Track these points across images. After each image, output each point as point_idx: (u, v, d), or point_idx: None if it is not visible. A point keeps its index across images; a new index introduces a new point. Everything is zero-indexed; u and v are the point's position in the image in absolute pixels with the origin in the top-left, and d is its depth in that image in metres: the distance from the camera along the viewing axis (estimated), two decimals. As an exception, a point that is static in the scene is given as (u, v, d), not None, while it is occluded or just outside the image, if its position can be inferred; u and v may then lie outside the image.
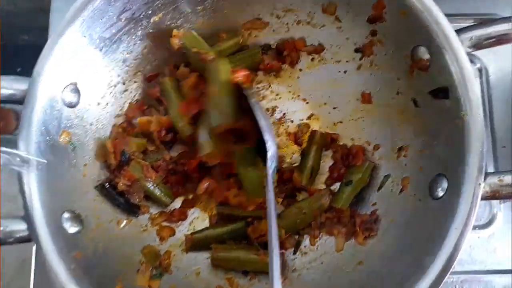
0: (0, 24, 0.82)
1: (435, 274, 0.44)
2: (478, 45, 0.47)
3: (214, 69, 0.53)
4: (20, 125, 0.47)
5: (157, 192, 0.57)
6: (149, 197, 0.58)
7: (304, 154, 0.60)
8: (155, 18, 0.56)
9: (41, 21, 0.85)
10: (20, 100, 0.48)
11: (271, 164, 0.50)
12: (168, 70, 0.60)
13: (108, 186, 0.55)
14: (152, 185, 0.57)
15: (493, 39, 0.47)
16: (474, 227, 0.62)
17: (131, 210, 0.57)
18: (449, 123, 0.48)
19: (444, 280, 0.44)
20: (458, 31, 0.47)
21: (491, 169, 0.64)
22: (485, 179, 0.45)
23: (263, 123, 0.50)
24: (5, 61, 0.92)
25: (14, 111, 0.76)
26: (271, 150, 0.49)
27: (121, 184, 0.55)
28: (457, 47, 0.46)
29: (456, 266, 0.60)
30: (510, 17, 0.47)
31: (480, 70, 0.67)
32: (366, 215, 0.56)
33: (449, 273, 0.45)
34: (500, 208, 0.63)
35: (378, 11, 0.52)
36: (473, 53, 0.63)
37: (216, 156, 0.55)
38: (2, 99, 0.48)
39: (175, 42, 0.56)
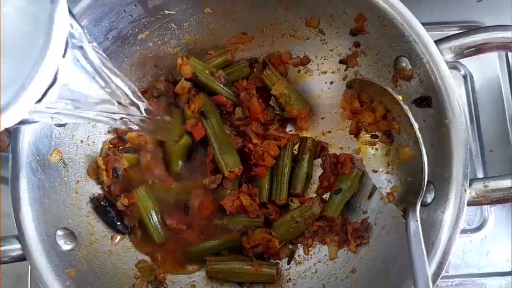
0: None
1: (427, 278, 0.44)
2: (458, 55, 0.48)
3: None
4: (11, 145, 0.48)
5: (152, 226, 0.57)
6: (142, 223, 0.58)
7: (296, 161, 0.60)
8: (142, 36, 0.57)
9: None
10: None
11: None
12: (163, 86, 0.60)
13: (102, 201, 0.56)
14: (151, 219, 0.57)
15: (472, 49, 0.48)
16: (466, 231, 0.63)
17: (121, 229, 0.57)
18: (434, 131, 0.49)
19: (438, 285, 0.45)
20: (438, 42, 0.48)
21: (480, 174, 0.65)
22: (470, 185, 0.46)
23: None
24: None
25: (6, 130, 0.76)
26: None
27: (120, 204, 0.56)
28: (437, 57, 0.47)
29: (450, 270, 0.62)
30: (488, 27, 0.48)
31: (465, 76, 0.68)
32: (357, 223, 0.57)
33: (440, 277, 0.45)
34: (491, 211, 0.64)
35: (360, 23, 0.53)
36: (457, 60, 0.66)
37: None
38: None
39: (188, 70, 0.57)
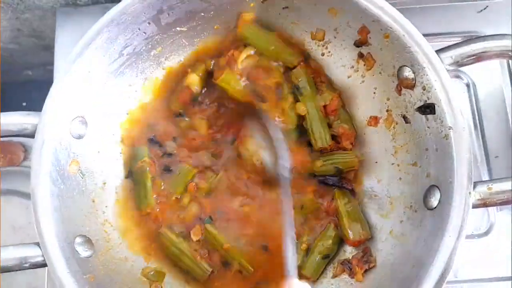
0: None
1: (433, 282, 0.46)
2: (459, 63, 0.50)
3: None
4: (32, 156, 0.50)
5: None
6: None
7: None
8: (155, 52, 0.60)
9: (44, 57, 0.90)
10: (32, 134, 0.51)
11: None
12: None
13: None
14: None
15: (472, 57, 0.50)
16: (474, 236, 0.64)
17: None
18: (438, 137, 0.50)
19: None
20: (439, 51, 0.50)
21: (486, 179, 0.66)
22: (474, 187, 0.47)
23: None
24: (12, 96, 0.97)
25: (22, 145, 0.79)
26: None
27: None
28: (438, 66, 0.49)
29: (458, 275, 0.62)
30: (486, 36, 0.50)
31: (468, 85, 0.69)
32: (359, 254, 0.57)
33: (445, 281, 0.46)
34: (497, 216, 0.65)
35: (364, 35, 0.55)
36: (460, 69, 0.68)
37: None
38: (15, 133, 0.51)
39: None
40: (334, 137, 0.60)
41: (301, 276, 0.56)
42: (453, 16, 0.71)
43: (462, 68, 0.68)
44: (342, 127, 0.60)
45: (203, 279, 0.57)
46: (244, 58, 0.59)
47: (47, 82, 0.52)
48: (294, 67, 0.61)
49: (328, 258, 0.58)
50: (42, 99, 0.51)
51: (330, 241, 0.58)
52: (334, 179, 0.60)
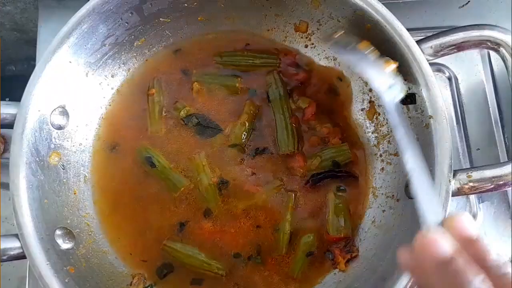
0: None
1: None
2: (439, 52, 0.50)
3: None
4: (11, 146, 0.49)
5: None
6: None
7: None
8: (137, 42, 0.59)
9: (27, 52, 0.89)
10: (11, 124, 0.50)
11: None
12: None
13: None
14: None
15: (452, 47, 0.50)
16: (455, 228, 0.65)
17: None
18: (419, 126, 0.51)
19: None
20: (419, 42, 0.51)
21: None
22: (454, 176, 0.48)
23: None
24: (-5, 90, 0.95)
25: (1, 136, 0.78)
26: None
27: None
28: (418, 55, 0.50)
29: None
30: (465, 26, 0.51)
31: (449, 78, 0.70)
32: (341, 243, 0.56)
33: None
34: (479, 208, 0.65)
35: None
36: (442, 62, 0.69)
37: None
38: (-6, 124, 0.50)
39: None
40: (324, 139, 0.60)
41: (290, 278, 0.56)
42: (435, 11, 0.72)
43: (444, 62, 0.69)
44: (325, 127, 0.60)
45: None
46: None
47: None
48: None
49: (311, 255, 0.57)
50: (26, 95, 0.50)
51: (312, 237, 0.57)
52: (340, 171, 0.58)
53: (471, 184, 0.48)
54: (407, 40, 0.50)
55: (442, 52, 0.51)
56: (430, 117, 0.49)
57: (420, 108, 0.50)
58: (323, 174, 0.58)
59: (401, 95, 0.49)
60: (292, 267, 0.55)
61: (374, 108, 0.58)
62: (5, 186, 0.74)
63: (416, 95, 0.51)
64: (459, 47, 0.50)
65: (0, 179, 0.69)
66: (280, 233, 0.56)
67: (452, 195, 0.47)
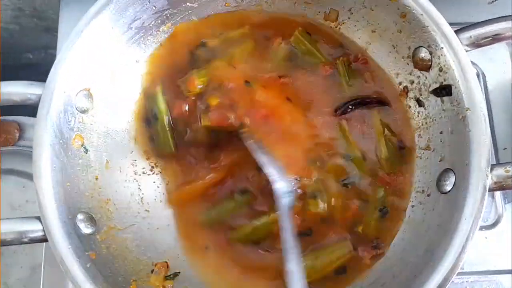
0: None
1: (449, 265, 0.44)
2: (477, 43, 0.49)
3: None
4: (35, 128, 0.48)
5: None
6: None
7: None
8: (163, 27, 0.58)
9: (45, 40, 0.88)
10: (35, 104, 0.49)
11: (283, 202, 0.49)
12: None
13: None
14: None
15: (490, 38, 0.49)
16: (482, 228, 0.63)
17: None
18: (454, 119, 0.49)
19: (454, 281, 0.44)
20: (457, 31, 0.49)
21: (495, 169, 0.65)
22: (491, 170, 0.46)
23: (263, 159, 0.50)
24: (11, 80, 0.94)
25: (17, 123, 0.76)
26: (277, 183, 0.49)
27: None
28: (456, 45, 0.48)
29: (465, 267, 0.61)
30: (503, 17, 0.49)
31: (477, 75, 0.69)
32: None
33: (461, 264, 0.45)
34: (505, 208, 0.64)
35: (379, 15, 0.54)
36: (470, 59, 0.67)
37: None
38: (18, 103, 0.49)
39: None
40: None
41: None
42: (464, 7, 0.71)
43: (472, 58, 0.67)
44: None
45: None
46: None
47: (47, 67, 0.50)
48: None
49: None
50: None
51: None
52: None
53: (509, 179, 0.46)
54: (445, 29, 0.49)
55: (479, 43, 0.49)
56: (467, 109, 0.47)
57: (456, 100, 0.49)
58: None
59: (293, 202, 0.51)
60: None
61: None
62: (20, 173, 0.74)
63: (452, 86, 0.49)
64: (497, 38, 0.49)
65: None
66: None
67: (489, 191, 0.46)
